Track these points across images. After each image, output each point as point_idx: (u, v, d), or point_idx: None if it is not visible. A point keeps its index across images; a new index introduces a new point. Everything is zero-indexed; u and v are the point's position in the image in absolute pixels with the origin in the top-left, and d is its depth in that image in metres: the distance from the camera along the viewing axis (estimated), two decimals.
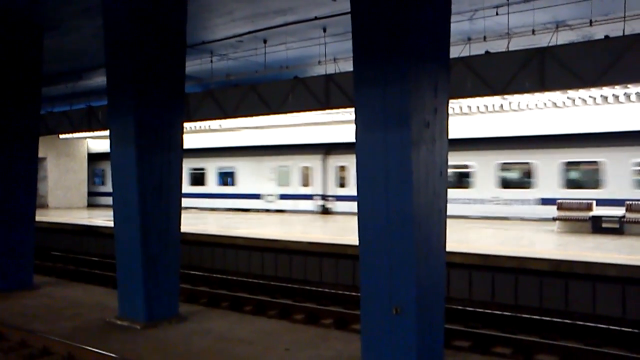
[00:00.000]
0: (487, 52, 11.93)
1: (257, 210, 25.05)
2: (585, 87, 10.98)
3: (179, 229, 8.57)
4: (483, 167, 19.43)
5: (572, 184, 18.00)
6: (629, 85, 11.77)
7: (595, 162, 17.56)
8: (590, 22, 11.54)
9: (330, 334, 7.85)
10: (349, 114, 15.90)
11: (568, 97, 13.91)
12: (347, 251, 12.19)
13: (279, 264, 13.63)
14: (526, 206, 18.58)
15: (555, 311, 9.76)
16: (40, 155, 11.71)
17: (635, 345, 8.15)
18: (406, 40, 5.60)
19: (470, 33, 12.91)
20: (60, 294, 10.45)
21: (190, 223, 18.29)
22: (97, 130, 21.32)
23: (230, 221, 20.06)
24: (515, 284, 10.32)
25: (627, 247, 11.74)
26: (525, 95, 12.35)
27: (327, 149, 23.04)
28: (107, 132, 8.97)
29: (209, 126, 20.96)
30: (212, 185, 26.97)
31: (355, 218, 6.13)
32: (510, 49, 12.31)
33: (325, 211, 23.12)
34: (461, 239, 13.11)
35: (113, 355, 6.51)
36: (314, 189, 23.45)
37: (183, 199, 8.84)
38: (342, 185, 22.81)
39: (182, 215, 8.67)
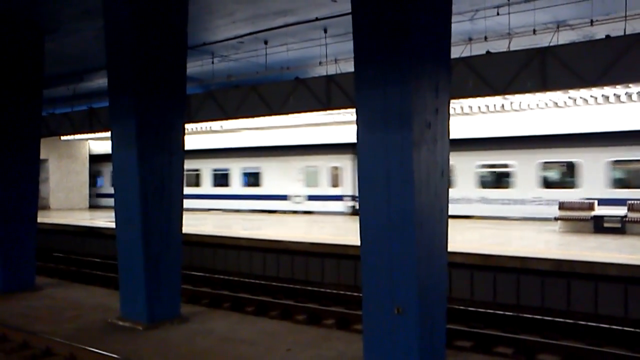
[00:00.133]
0: (488, 52, 11.93)
1: (284, 212, 24.25)
2: (587, 86, 10.97)
3: (181, 229, 8.58)
4: (524, 167, 18.76)
5: (619, 184, 17.23)
6: (630, 85, 11.75)
7: None
8: (591, 21, 11.55)
9: (332, 334, 7.86)
10: None
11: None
12: None
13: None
14: None
15: (557, 311, 9.75)
16: (42, 157, 11.73)
17: (637, 345, 8.14)
18: (407, 41, 5.61)
19: (471, 33, 12.91)
20: (62, 295, 10.46)
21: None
22: (98, 131, 21.34)
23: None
24: (517, 283, 10.32)
25: (629, 247, 11.73)
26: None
27: None
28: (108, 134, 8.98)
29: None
30: (236, 186, 26.19)
31: None
32: (512, 49, 12.31)
33: (355, 212, 22.59)
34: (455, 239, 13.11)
35: (115, 356, 6.52)
36: (344, 189, 22.83)
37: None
38: None
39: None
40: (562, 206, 15.34)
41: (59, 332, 7.71)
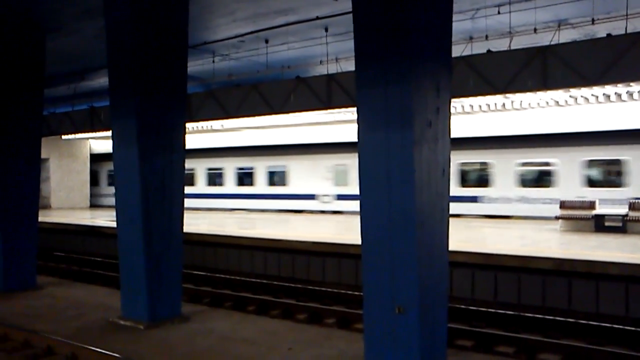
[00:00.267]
0: (489, 51, 11.92)
1: (311, 212, 23.50)
2: (588, 85, 10.96)
3: (182, 229, 8.58)
4: (567, 165, 18.12)
5: None
6: (631, 84, 11.74)
7: None
8: (593, 20, 11.53)
9: (333, 333, 7.86)
10: None
11: None
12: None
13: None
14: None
15: (558, 310, 9.75)
16: (42, 156, 11.75)
17: (638, 344, 8.13)
18: (408, 40, 5.60)
19: (472, 32, 12.90)
20: (63, 294, 10.47)
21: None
22: (99, 130, 21.34)
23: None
24: (518, 282, 10.32)
25: (630, 246, 11.72)
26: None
27: None
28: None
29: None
30: (261, 185, 25.45)
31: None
32: (512, 47, 12.29)
33: None
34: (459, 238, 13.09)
35: (116, 355, 6.52)
36: None
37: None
38: None
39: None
40: (563, 205, 15.33)
41: (60, 332, 7.71)
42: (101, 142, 29.38)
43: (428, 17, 5.80)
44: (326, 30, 12.52)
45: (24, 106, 10.89)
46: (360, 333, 6.86)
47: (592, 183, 17.91)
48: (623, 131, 16.88)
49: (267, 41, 13.57)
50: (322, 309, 10.23)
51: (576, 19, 11.92)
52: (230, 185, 26.41)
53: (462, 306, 9.89)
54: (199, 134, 23.72)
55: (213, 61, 15.22)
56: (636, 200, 14.45)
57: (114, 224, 8.63)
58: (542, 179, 18.87)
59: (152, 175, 8.09)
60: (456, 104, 15.14)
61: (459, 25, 11.62)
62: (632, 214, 14.15)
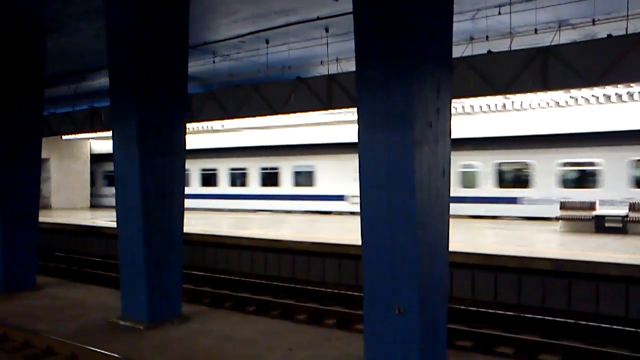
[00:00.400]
0: (489, 52, 11.92)
1: (340, 213, 22.46)
2: (588, 86, 10.96)
3: (182, 229, 8.58)
4: (612, 165, 17.27)
5: None
6: (632, 84, 11.73)
7: None
8: (593, 21, 11.52)
9: (333, 333, 7.86)
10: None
11: None
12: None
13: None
14: None
15: (558, 310, 9.74)
16: (43, 156, 11.74)
17: (638, 345, 8.12)
18: (408, 41, 5.60)
19: (473, 32, 12.89)
20: (64, 295, 10.47)
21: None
22: (99, 131, 21.35)
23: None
24: (518, 283, 10.31)
25: (631, 247, 11.71)
26: None
27: None
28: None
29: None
30: (287, 186, 24.59)
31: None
32: (513, 48, 12.29)
33: None
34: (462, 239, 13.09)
35: (116, 355, 6.52)
36: None
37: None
38: None
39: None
40: (563, 206, 15.32)
41: (60, 332, 7.71)
42: (101, 143, 29.38)
43: (429, 17, 5.80)
44: (327, 30, 12.52)
45: (25, 106, 10.89)
46: (360, 333, 6.85)
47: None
48: None
49: (267, 41, 13.57)
50: (322, 309, 10.22)
51: (577, 20, 11.92)
52: (254, 185, 25.56)
53: (462, 307, 9.90)
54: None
55: (214, 61, 15.22)
56: (637, 201, 14.44)
57: (114, 224, 8.62)
58: (585, 179, 18.15)
59: (152, 175, 8.08)
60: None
61: (460, 25, 11.62)
62: (632, 214, 14.14)
